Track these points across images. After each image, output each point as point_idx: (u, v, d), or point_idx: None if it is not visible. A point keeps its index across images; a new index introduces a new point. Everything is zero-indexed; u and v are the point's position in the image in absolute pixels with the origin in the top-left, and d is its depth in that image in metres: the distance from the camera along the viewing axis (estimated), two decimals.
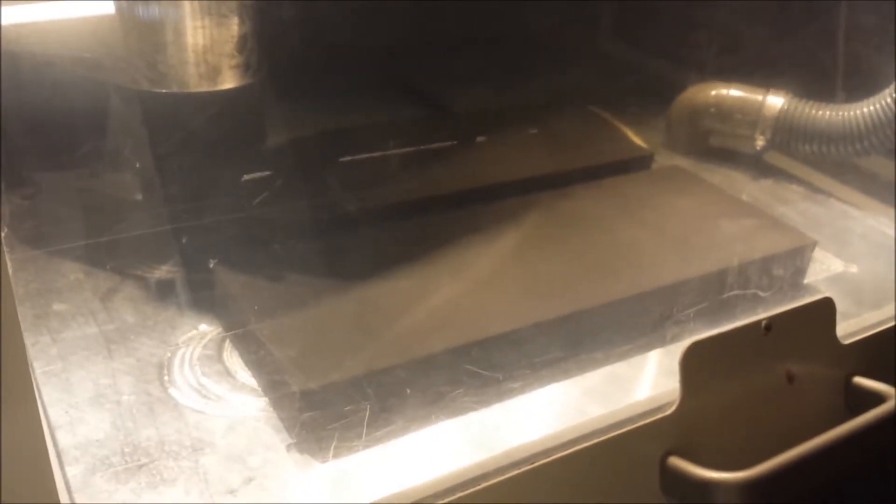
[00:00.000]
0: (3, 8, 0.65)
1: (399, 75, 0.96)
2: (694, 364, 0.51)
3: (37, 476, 0.39)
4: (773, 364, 0.55)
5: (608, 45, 1.13)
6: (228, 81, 0.61)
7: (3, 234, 0.63)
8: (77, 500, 0.46)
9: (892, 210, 0.84)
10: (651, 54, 1.05)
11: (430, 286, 0.60)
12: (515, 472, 0.46)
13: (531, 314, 0.58)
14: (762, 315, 0.54)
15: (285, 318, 0.56)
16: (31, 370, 0.45)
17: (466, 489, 0.45)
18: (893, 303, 0.65)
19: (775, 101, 0.87)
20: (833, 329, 0.57)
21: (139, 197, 0.70)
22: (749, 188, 0.88)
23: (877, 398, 0.57)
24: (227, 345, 0.59)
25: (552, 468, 0.47)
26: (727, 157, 0.92)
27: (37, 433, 0.39)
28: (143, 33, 0.58)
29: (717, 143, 0.92)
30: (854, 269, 0.73)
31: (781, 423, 0.56)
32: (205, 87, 0.60)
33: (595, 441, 0.48)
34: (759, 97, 0.88)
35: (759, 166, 0.90)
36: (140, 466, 0.48)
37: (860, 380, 0.59)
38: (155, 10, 0.57)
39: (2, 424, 0.36)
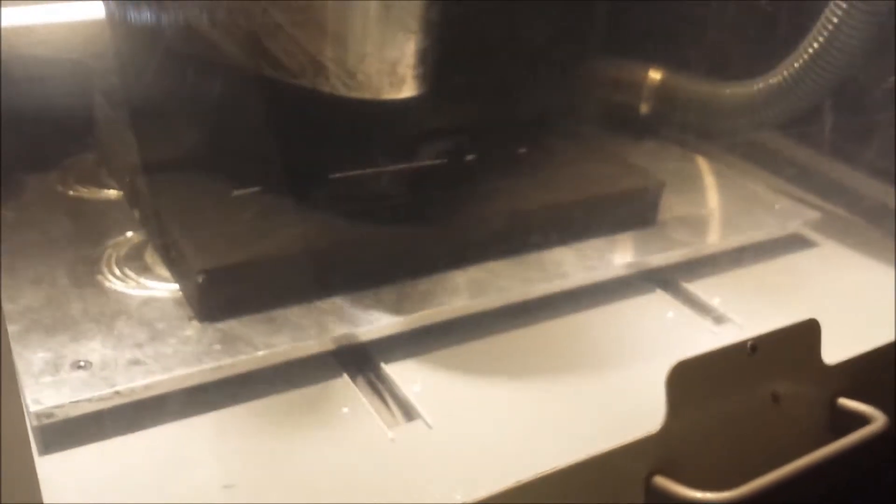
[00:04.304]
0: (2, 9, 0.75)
1: None
2: (679, 384, 0.52)
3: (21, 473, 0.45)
4: (759, 385, 0.57)
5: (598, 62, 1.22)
6: (410, 90, 0.68)
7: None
8: (15, 351, 0.57)
9: (752, 166, 0.96)
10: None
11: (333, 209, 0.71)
12: (497, 491, 0.48)
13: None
14: (746, 336, 0.56)
15: (197, 217, 0.67)
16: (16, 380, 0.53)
17: None
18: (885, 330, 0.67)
19: (655, 75, 0.99)
20: (818, 350, 0.59)
21: None
22: (633, 149, 0.99)
23: (861, 420, 0.58)
24: (149, 248, 0.70)
25: (535, 487, 0.49)
26: (621, 124, 1.03)
27: (22, 435, 0.46)
28: (345, 44, 0.65)
29: (612, 112, 1.04)
30: (703, 210, 0.85)
31: (766, 443, 0.58)
32: (393, 95, 0.68)
33: (579, 459, 0.50)
34: (644, 72, 1.00)
35: (649, 133, 1.02)
36: (67, 326, 0.60)
37: (845, 401, 0.60)
38: (361, 24, 0.64)
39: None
